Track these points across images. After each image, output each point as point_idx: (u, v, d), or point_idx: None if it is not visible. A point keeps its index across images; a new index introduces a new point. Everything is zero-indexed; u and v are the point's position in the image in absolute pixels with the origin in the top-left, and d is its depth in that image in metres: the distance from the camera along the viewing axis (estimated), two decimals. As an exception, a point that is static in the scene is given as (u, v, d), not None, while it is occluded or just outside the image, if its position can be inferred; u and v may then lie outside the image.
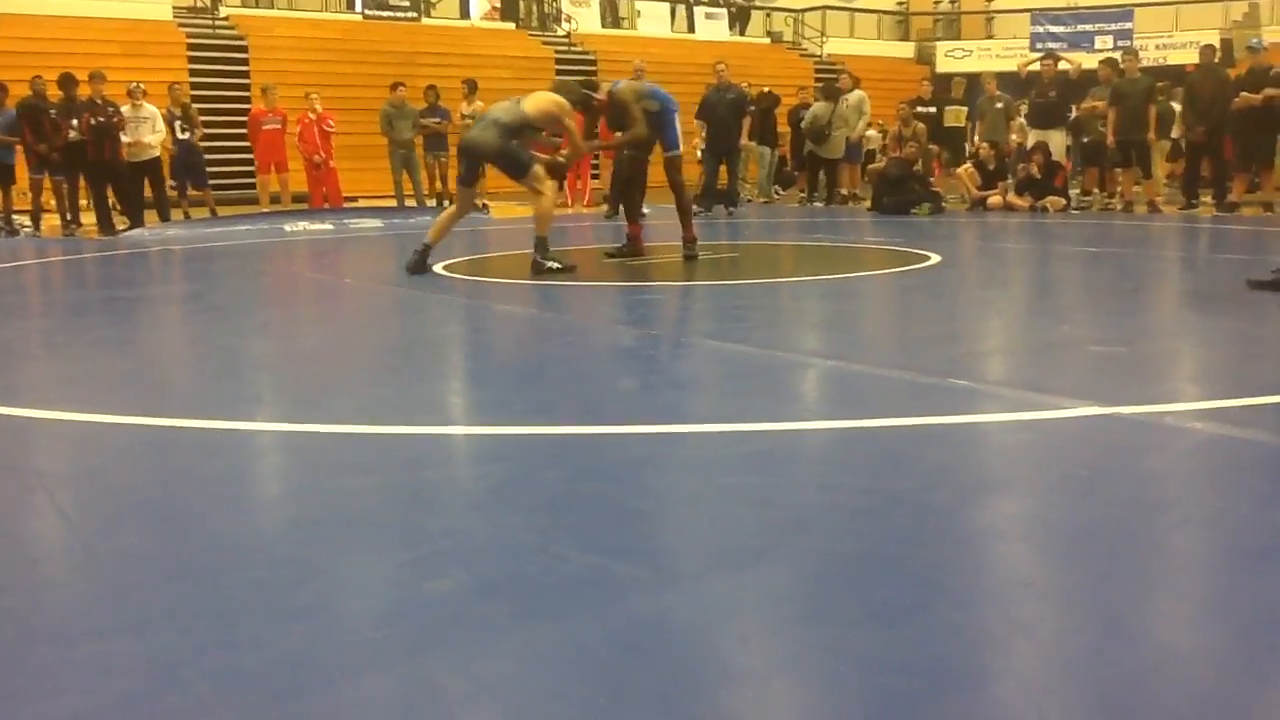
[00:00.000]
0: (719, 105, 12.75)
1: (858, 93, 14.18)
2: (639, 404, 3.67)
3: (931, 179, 13.20)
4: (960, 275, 7.12)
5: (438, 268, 7.34)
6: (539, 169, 7.05)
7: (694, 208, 12.79)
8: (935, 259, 7.44)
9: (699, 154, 13.47)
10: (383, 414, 3.38)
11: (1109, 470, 2.68)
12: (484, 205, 14.20)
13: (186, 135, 12.63)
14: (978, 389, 3.61)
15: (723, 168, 13.02)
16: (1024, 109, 13.45)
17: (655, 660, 1.69)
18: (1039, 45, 21.99)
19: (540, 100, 7.04)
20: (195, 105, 13.03)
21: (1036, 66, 13.24)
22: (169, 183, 12.64)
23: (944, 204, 12.44)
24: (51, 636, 1.83)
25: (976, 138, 13.53)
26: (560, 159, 7.71)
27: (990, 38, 27.11)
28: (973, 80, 15.60)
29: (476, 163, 7.43)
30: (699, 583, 2.00)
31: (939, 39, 27.35)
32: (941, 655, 1.69)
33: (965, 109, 14.17)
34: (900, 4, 28.47)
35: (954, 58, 26.00)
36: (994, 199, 12.51)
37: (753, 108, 13.91)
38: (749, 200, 14.75)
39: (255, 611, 1.91)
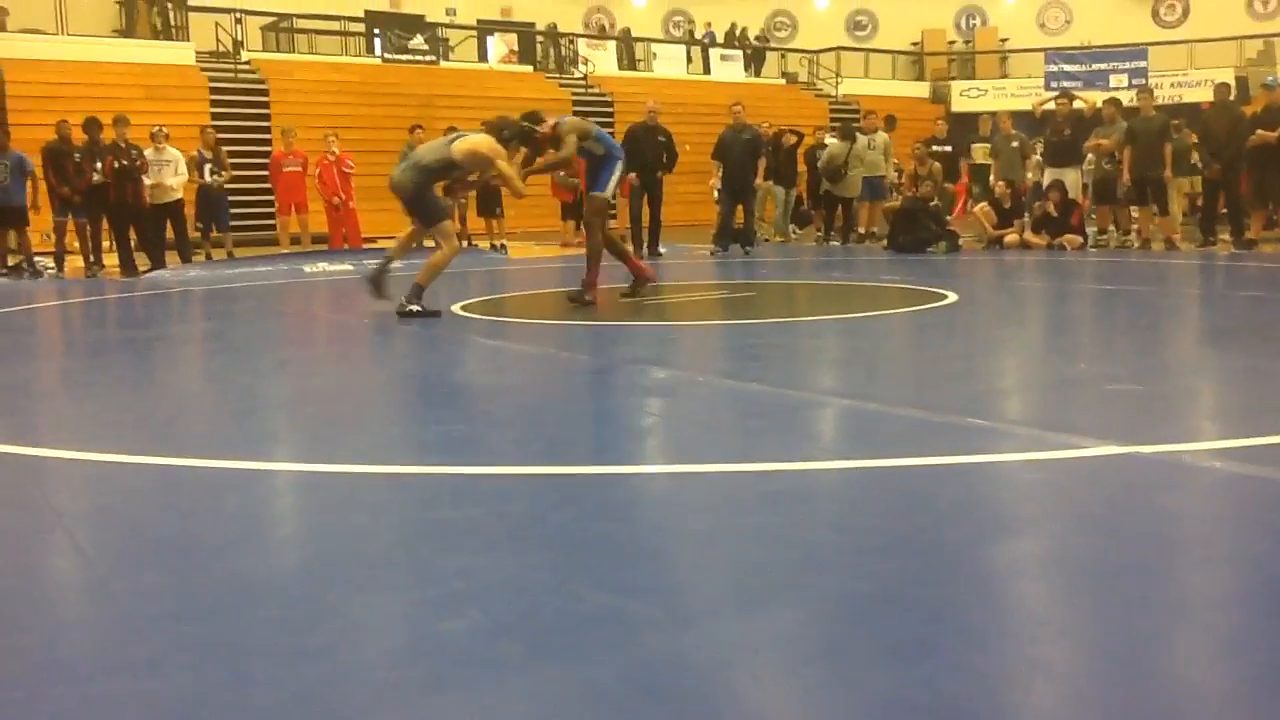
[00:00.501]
0: (735, 145, 12.82)
1: (883, 135, 14.26)
2: (654, 444, 3.67)
3: (949, 218, 13.21)
4: (977, 313, 7.11)
5: (455, 307, 7.37)
6: (449, 225, 7.11)
7: (712, 247, 12.93)
8: (952, 297, 7.43)
9: (715, 194, 13.53)
10: (397, 454, 3.40)
11: (1127, 509, 2.66)
12: (501, 245, 14.29)
13: (216, 177, 12.80)
14: (994, 428, 3.60)
15: (739, 208, 13.08)
16: (1039, 147, 13.48)
17: (671, 700, 1.68)
18: (1054, 84, 22.06)
19: (470, 141, 6.98)
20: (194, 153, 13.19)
21: (1052, 105, 13.27)
22: (194, 224, 12.82)
23: (960, 243, 12.44)
24: (68, 674, 1.83)
25: (992, 176, 13.56)
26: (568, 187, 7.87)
27: (1005, 77, 27.23)
28: (987, 119, 15.67)
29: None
30: (714, 622, 1.99)
31: (953, 78, 27.48)
32: (958, 695, 1.68)
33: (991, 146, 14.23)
34: (914, 44, 28.64)
35: (969, 97, 26.09)
36: (1010, 237, 12.50)
37: (769, 147, 13.99)
38: (765, 240, 14.79)
39: (270, 651, 1.91)
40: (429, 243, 7.38)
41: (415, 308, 6.82)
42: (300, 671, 1.82)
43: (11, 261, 11.86)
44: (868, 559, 2.32)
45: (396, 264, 7.29)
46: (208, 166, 12.75)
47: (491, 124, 7.39)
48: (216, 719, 1.65)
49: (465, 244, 14.33)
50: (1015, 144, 13.44)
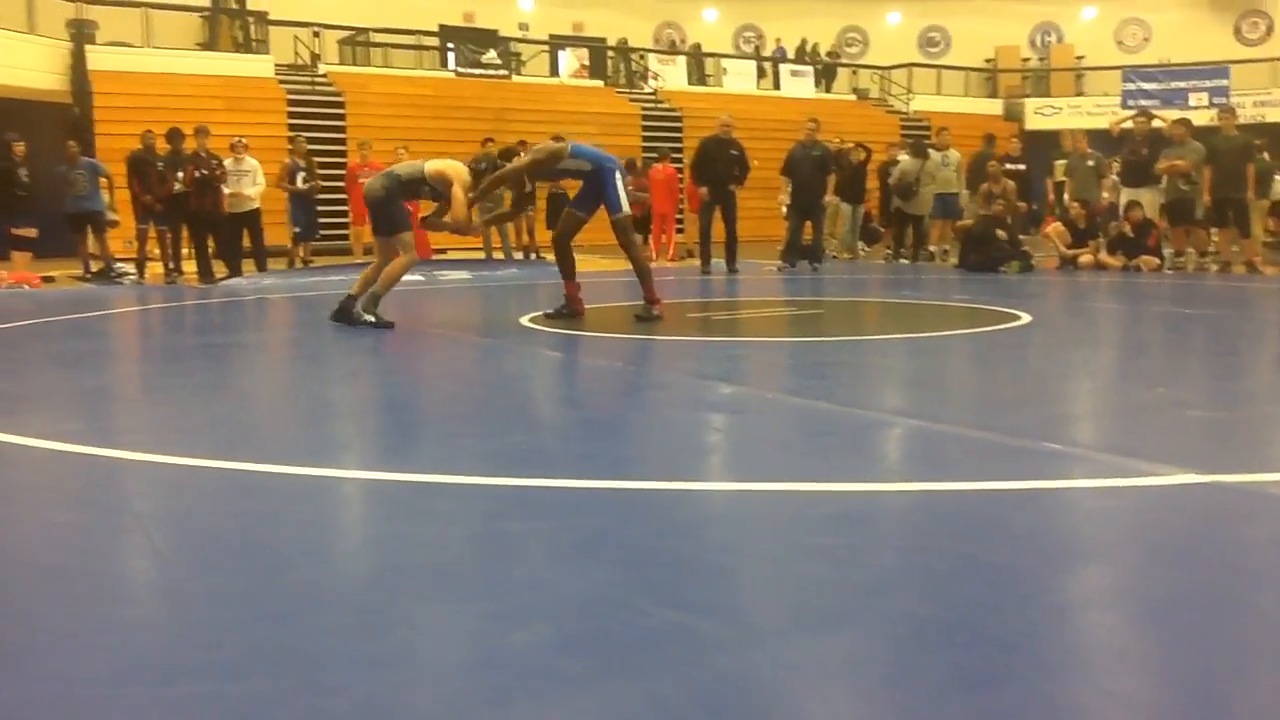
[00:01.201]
0: (804, 161, 12.78)
1: (956, 152, 14.11)
2: (721, 460, 3.66)
3: (1022, 237, 13.04)
4: (1051, 335, 7.00)
5: (523, 319, 7.43)
6: (408, 237, 7.31)
7: (780, 263, 12.89)
8: (1025, 318, 7.32)
9: (783, 210, 13.49)
10: (466, 464, 3.42)
11: (1208, 539, 2.60)
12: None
13: (308, 186, 13.09)
14: (1070, 453, 3.53)
15: (807, 224, 13.02)
16: (1115, 166, 13.26)
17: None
18: (1131, 103, 21.71)
19: (441, 164, 7.33)
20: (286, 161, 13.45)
21: (1129, 124, 13.05)
22: (292, 229, 13.17)
23: (1033, 262, 12.27)
24: (146, 675, 1.87)
25: (1066, 196, 13.37)
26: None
27: (1080, 94, 26.82)
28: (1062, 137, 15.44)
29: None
30: (782, 643, 1.98)
31: (1028, 95, 27.13)
32: (1033, 727, 1.65)
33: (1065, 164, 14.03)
34: (988, 61, 28.33)
35: (1043, 115, 25.75)
36: (1085, 258, 12.31)
37: (837, 164, 13.92)
38: (833, 256, 14.71)
39: (341, 657, 1.94)
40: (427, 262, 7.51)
41: (370, 318, 7.07)
42: (371, 679, 1.84)
43: (94, 267, 12.20)
44: (938, 584, 2.29)
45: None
46: (300, 175, 13.03)
47: (478, 157, 7.66)
48: (289, 724, 1.68)
49: (532, 256, 14.48)
50: (1091, 163, 13.24)
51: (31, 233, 11.79)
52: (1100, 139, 14.33)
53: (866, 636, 2.01)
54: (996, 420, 4.11)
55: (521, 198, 7.61)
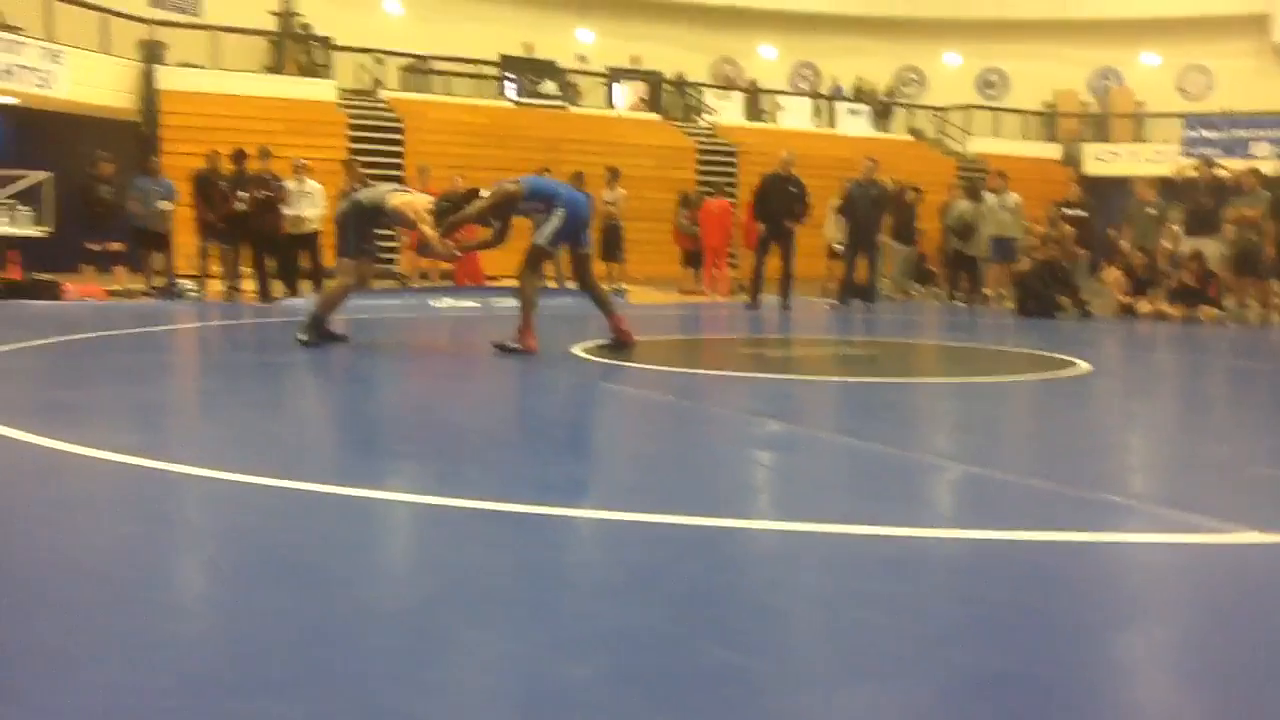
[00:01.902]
0: (861, 200, 12.76)
1: (1014, 195, 14.01)
2: (773, 498, 3.64)
3: (1080, 284, 12.91)
4: (1111, 384, 6.90)
5: (575, 349, 7.45)
6: (348, 263, 7.52)
7: (833, 301, 12.85)
8: (1083, 366, 7.23)
9: (834, 247, 13.44)
10: (520, 492, 3.43)
11: (1270, 601, 2.53)
12: (621, 289, 14.42)
13: None
14: (1129, 505, 3.47)
15: (861, 263, 12.99)
16: (1176, 215, 13.09)
17: (795, 768, 1.65)
18: (1192, 150, 21.46)
19: (407, 198, 7.63)
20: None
21: (1193, 172, 12.89)
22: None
23: (1090, 310, 12.13)
24: (203, 689, 1.88)
25: (1124, 243, 13.23)
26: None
27: (1140, 140, 26.57)
28: (1116, 184, 15.29)
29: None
30: (839, 690, 1.95)
31: (1086, 140, 26.91)
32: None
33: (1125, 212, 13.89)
34: (1046, 104, 28.16)
35: (1102, 160, 25.54)
36: (1144, 306, 12.15)
37: (902, 202, 13.93)
38: (887, 297, 14.65)
39: (394, 681, 1.93)
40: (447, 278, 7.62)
41: (304, 338, 7.31)
42: (425, 704, 1.84)
43: (156, 283, 12.43)
44: (995, 635, 2.25)
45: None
46: None
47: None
48: (345, 748, 1.68)
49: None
50: (1152, 210, 13.09)
51: (115, 246, 12.13)
52: (1160, 186, 14.16)
53: (922, 686, 1.98)
54: (1054, 469, 4.05)
55: (499, 231, 7.70)
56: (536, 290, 7.50)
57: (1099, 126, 27.85)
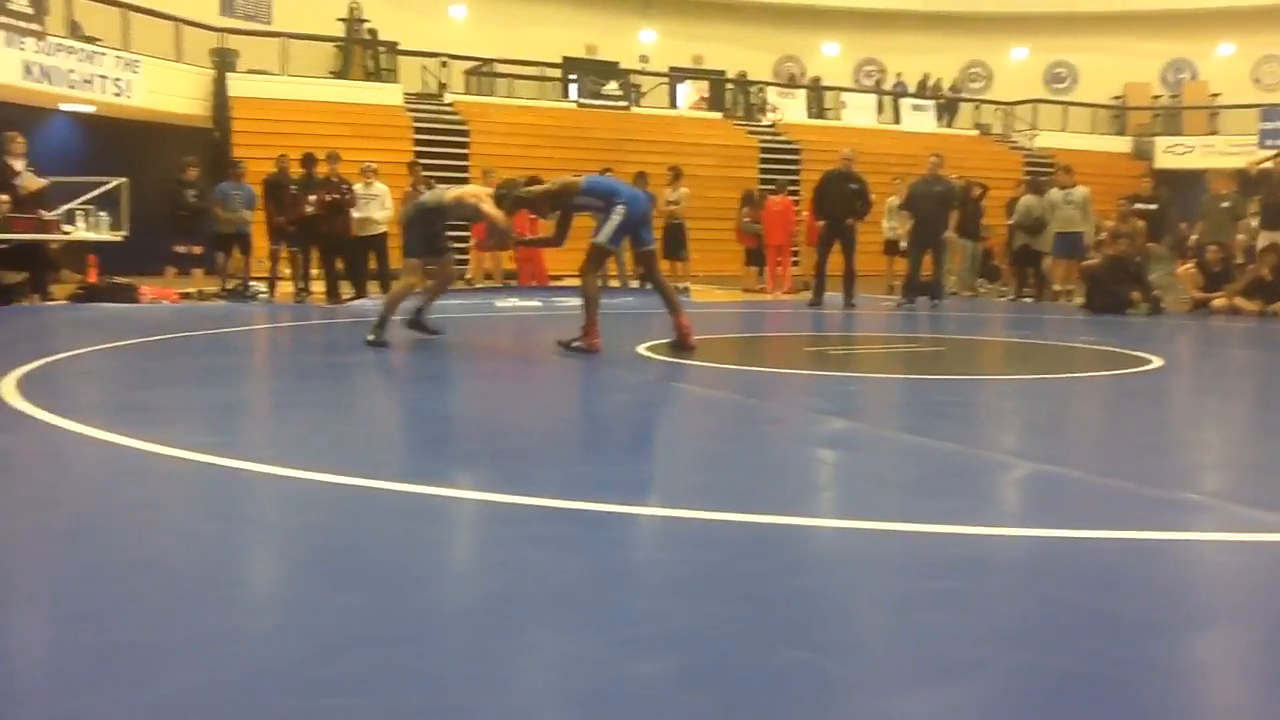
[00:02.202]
0: (927, 197, 12.63)
1: (1081, 190, 13.78)
2: (840, 496, 3.62)
3: (1152, 278, 12.65)
4: (1184, 381, 6.76)
5: (640, 348, 7.47)
6: (416, 263, 7.78)
7: (898, 299, 12.73)
8: (1156, 362, 7.09)
9: (901, 244, 13.31)
10: (588, 490, 3.44)
11: (1361, 603, 2.47)
12: (685, 288, 14.42)
13: None
14: (1204, 504, 3.40)
15: (926, 260, 12.86)
16: (1253, 208, 12.78)
17: (867, 767, 1.64)
18: (1269, 142, 20.92)
19: (461, 190, 7.96)
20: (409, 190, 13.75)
21: (1270, 165, 12.58)
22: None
23: (1163, 305, 11.89)
24: (275, 685, 1.92)
25: (1195, 237, 12.94)
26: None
27: (1214, 133, 25.96)
28: (1190, 178, 14.97)
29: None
30: (911, 690, 1.94)
31: (1158, 134, 26.36)
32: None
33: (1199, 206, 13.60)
34: (1117, 97, 27.63)
35: (1174, 153, 25.00)
36: (1218, 301, 11.87)
37: (968, 198, 13.78)
38: (952, 294, 14.47)
39: (465, 679, 1.96)
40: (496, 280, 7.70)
41: (372, 338, 7.49)
42: (494, 703, 1.85)
43: (230, 285, 12.68)
44: (1069, 636, 2.21)
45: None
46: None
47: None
48: (419, 743, 1.70)
49: (648, 285, 14.55)
50: (1226, 204, 12.79)
51: (196, 249, 12.44)
52: (1235, 179, 13.83)
53: (996, 687, 1.96)
54: (1126, 467, 3.98)
55: (560, 230, 7.78)
56: (599, 289, 7.54)
57: (1171, 119, 27.24)
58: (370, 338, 7.52)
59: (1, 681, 1.96)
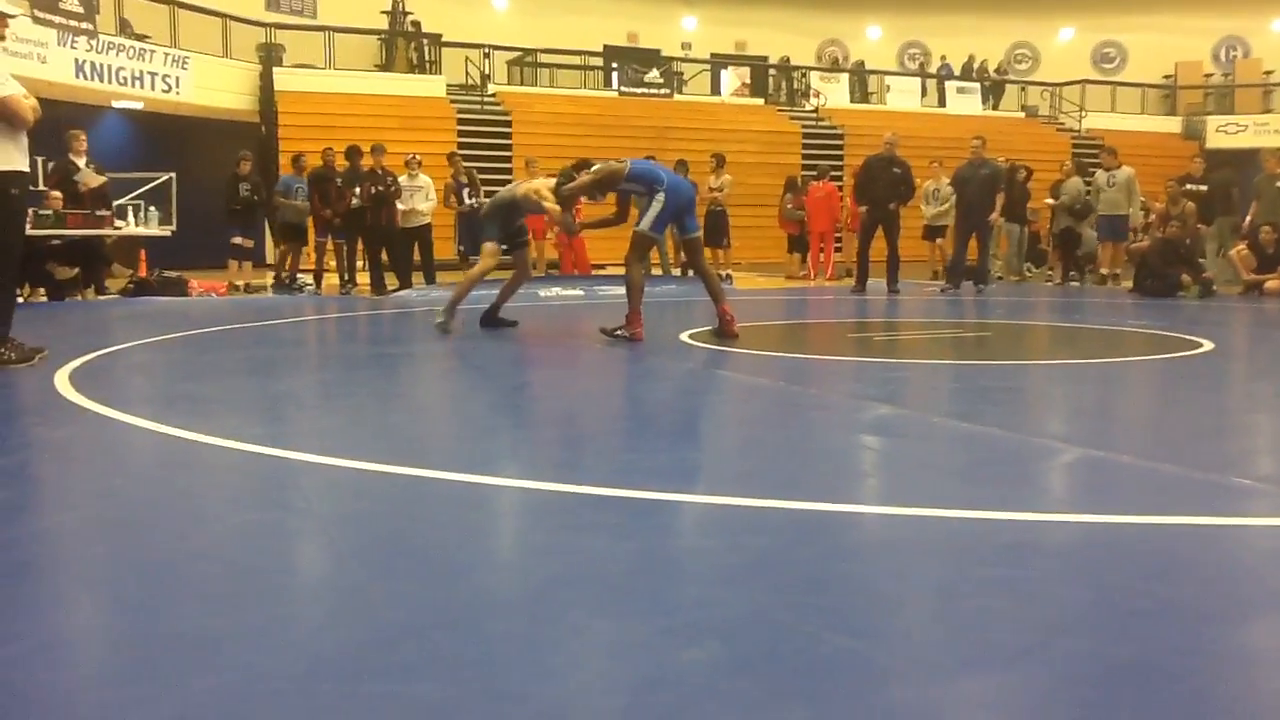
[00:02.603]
0: (971, 181, 12.50)
1: (1126, 171, 13.60)
2: (887, 483, 3.60)
3: (1202, 260, 12.45)
4: (1237, 365, 6.65)
5: (682, 336, 7.47)
6: (490, 246, 8.08)
7: (943, 284, 12.63)
8: (1207, 345, 6.98)
9: (935, 224, 13.17)
10: (633, 478, 3.46)
11: None
12: (727, 275, 14.40)
13: (472, 201, 13.45)
14: (1260, 489, 3.35)
15: (972, 244, 12.74)
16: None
17: (916, 754, 1.64)
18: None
19: (530, 185, 8.19)
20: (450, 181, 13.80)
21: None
22: (457, 246, 13.57)
23: (1215, 288, 11.70)
24: (332, 672, 1.94)
25: (1249, 218, 12.71)
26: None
27: (1268, 111, 25.47)
28: (1248, 157, 14.70)
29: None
30: (961, 678, 1.93)
31: (1209, 113, 25.89)
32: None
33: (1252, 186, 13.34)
34: (1167, 77, 27.17)
35: (1226, 133, 24.57)
36: (1272, 284, 11.66)
37: (1013, 181, 13.63)
38: (999, 278, 14.33)
39: (516, 666, 1.98)
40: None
41: (441, 320, 7.89)
42: (545, 689, 1.87)
43: (282, 276, 12.84)
44: (1123, 623, 2.20)
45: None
46: (466, 191, 13.40)
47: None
48: (470, 728, 1.72)
49: (689, 273, 14.54)
50: (1280, 184, 12.55)
51: (248, 243, 12.60)
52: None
53: (1050, 675, 1.94)
54: (1179, 452, 3.93)
55: (620, 209, 8.07)
56: (643, 277, 7.56)
57: (1223, 98, 26.76)
58: (439, 321, 7.76)
59: (60, 669, 2.00)
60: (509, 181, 15.49)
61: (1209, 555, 2.69)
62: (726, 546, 2.73)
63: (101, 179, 11.93)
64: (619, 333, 7.21)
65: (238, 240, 12.49)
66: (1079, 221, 13.66)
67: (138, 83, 16.30)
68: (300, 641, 2.12)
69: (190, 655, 2.04)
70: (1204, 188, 13.70)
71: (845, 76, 25.07)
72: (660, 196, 7.25)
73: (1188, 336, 7.46)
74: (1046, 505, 3.25)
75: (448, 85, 20.39)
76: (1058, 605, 2.31)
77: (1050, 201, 14.30)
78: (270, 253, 14.38)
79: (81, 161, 11.75)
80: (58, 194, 11.31)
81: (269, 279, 13.01)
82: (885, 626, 2.20)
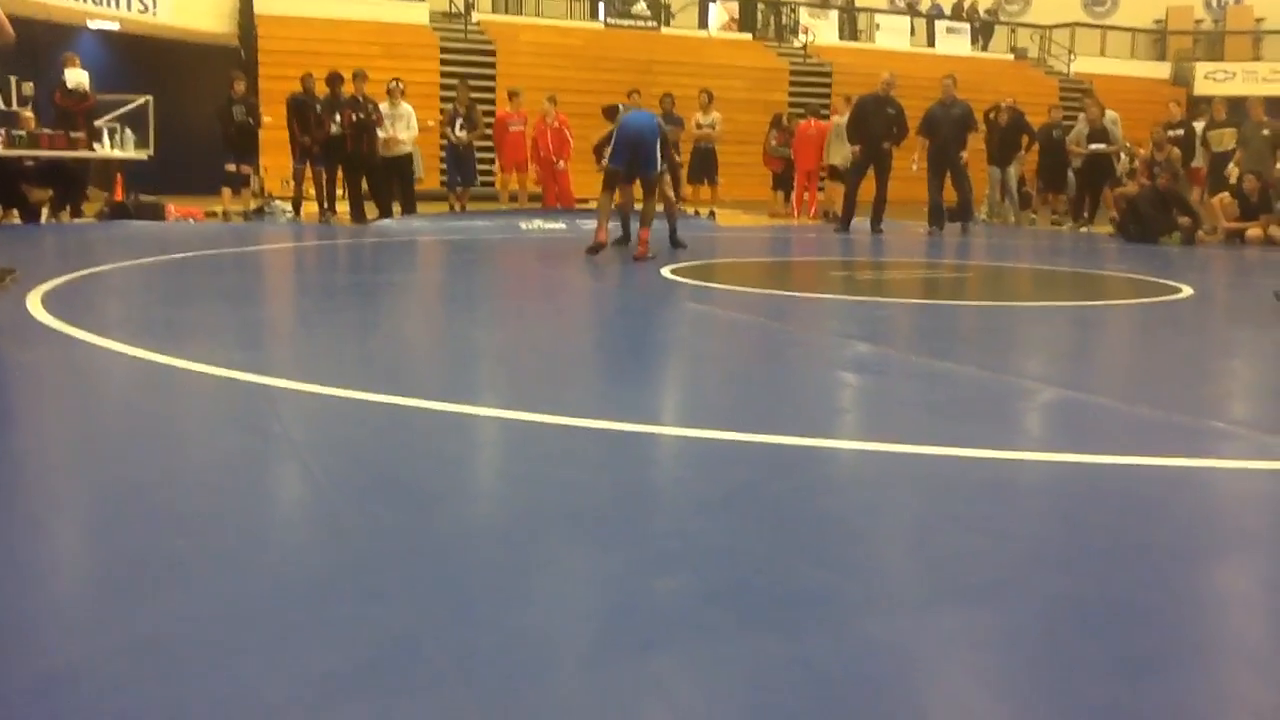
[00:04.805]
0: (944, 121, 12.40)
1: (1110, 113, 13.55)
2: (865, 420, 3.60)
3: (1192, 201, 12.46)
4: (1215, 310, 6.67)
5: (664, 270, 7.43)
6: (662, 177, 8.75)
7: (928, 226, 12.56)
8: (1187, 291, 6.99)
9: (914, 167, 13.00)
10: (613, 411, 3.44)
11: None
12: (711, 213, 14.30)
13: (463, 134, 13.24)
14: (1233, 432, 3.37)
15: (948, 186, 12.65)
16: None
17: (888, 690, 1.64)
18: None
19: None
20: (448, 106, 13.54)
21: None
22: (441, 177, 13.40)
23: (1202, 232, 11.70)
24: (305, 598, 1.94)
25: (1233, 165, 12.69)
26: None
27: (1258, 59, 25.33)
28: (1235, 105, 14.65)
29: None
30: (932, 612, 1.93)
31: (1198, 59, 25.74)
32: (1202, 716, 1.58)
33: (1234, 131, 13.29)
34: (1157, 21, 26.95)
35: (1214, 79, 24.43)
36: (1253, 232, 11.68)
37: (993, 123, 13.50)
38: (983, 220, 14.30)
39: (491, 593, 1.97)
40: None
41: (679, 238, 9.22)
42: (518, 615, 1.87)
43: (254, 205, 12.66)
44: (1095, 561, 2.21)
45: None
46: (458, 123, 13.20)
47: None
48: (441, 655, 1.72)
49: (698, 213, 14.44)
50: (1267, 132, 12.51)
51: (246, 169, 12.37)
52: (1277, 107, 13.52)
53: (1021, 610, 1.95)
54: (1154, 394, 3.95)
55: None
56: (608, 201, 8.47)
57: (1213, 45, 26.58)
58: (679, 240, 9.14)
59: (35, 588, 1.98)
60: (492, 113, 15.36)
61: (1183, 496, 2.70)
62: (702, 479, 2.73)
63: (86, 86, 11.75)
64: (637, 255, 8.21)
65: (232, 167, 12.22)
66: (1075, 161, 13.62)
67: (112, 2, 15.93)
68: (271, 565, 2.11)
69: (161, 577, 2.03)
70: (1181, 132, 13.66)
71: (835, 13, 24.73)
72: (614, 133, 8.23)
73: (1168, 282, 7.47)
74: (1023, 444, 3.26)
75: (431, 13, 20.01)
76: (1031, 543, 2.32)
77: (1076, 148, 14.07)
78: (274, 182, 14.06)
79: (75, 77, 11.57)
80: (30, 114, 11.11)
81: (252, 204, 12.81)
82: (859, 560, 2.20)
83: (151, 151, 13.04)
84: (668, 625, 1.83)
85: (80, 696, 1.57)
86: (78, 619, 1.86)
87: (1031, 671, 1.72)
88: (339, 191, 12.49)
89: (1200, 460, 2.99)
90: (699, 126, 14.34)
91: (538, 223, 12.26)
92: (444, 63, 18.30)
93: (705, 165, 14.39)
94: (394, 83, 12.62)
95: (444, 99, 14.03)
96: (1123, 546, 2.29)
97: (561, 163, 13.53)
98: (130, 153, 12.44)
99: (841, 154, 13.52)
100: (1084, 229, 13.47)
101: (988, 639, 1.84)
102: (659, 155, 8.21)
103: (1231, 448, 3.21)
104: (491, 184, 15.44)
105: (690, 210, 13.64)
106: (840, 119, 13.90)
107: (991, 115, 14.17)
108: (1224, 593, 2.13)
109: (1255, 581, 2.19)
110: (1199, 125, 13.85)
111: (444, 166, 13.94)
